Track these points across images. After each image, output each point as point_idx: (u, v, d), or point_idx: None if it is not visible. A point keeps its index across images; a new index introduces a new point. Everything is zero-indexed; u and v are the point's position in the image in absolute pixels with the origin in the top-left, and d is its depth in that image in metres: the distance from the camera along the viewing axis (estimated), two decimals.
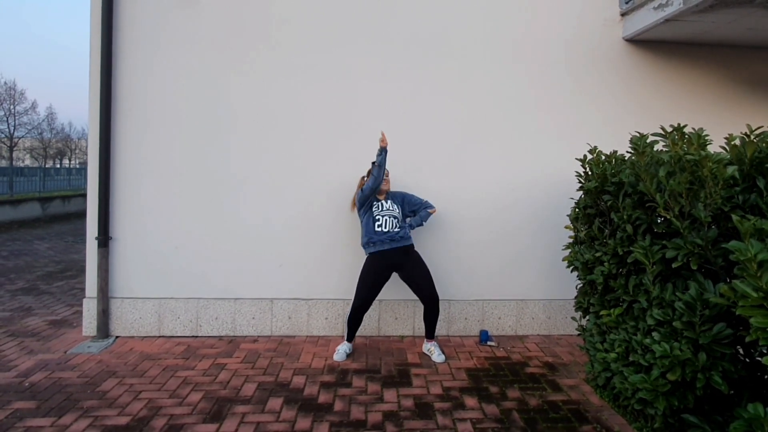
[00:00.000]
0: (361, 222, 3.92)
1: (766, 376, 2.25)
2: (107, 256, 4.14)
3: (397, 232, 3.82)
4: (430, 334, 3.95)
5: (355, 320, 3.89)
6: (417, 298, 4.00)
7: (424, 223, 4.07)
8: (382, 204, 3.87)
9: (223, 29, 4.17)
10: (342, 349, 3.88)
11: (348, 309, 4.28)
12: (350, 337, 3.94)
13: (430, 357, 3.87)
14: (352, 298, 4.07)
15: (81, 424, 2.78)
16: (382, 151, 3.68)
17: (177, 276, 4.24)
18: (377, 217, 3.82)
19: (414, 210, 4.06)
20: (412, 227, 4.04)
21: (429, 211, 4.06)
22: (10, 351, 3.85)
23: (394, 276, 3.96)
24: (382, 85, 4.27)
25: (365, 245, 3.88)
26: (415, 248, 3.98)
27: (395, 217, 3.85)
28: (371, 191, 3.78)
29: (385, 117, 4.26)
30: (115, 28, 4.08)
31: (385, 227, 3.80)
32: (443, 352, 3.90)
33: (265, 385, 3.34)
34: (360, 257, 4.08)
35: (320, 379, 3.45)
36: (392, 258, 3.83)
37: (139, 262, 4.21)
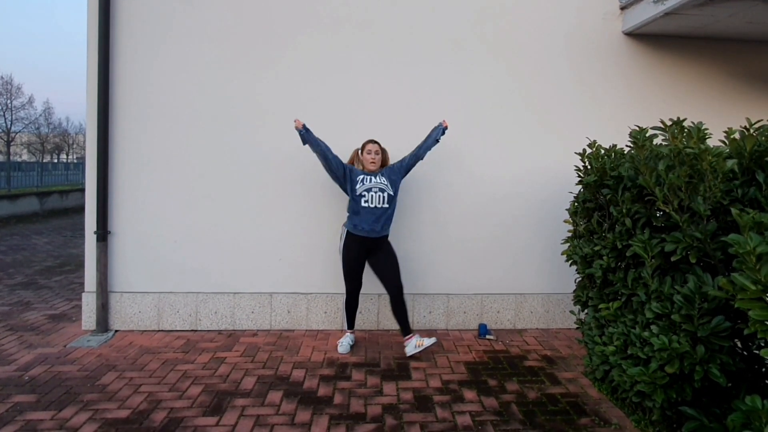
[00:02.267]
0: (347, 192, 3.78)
1: (764, 369, 2.26)
2: (106, 250, 4.13)
3: (385, 213, 3.65)
4: (404, 330, 3.77)
5: (352, 305, 3.87)
6: (416, 292, 4.01)
7: (439, 138, 3.87)
8: (370, 177, 3.68)
9: (224, 22, 4.15)
10: (345, 341, 3.87)
11: None
12: (350, 324, 3.93)
13: (429, 351, 3.83)
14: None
15: (81, 417, 2.79)
16: (300, 133, 3.61)
17: (176, 270, 4.24)
18: (362, 193, 3.63)
19: (411, 162, 3.83)
20: (429, 148, 3.85)
21: (435, 130, 3.85)
22: (10, 345, 3.85)
23: None
24: (381, 80, 4.25)
25: (346, 223, 3.77)
26: (389, 239, 3.85)
27: (385, 192, 3.65)
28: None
29: (384, 112, 4.26)
30: (113, 21, 4.05)
31: (376, 202, 3.63)
32: (417, 346, 3.67)
33: (265, 378, 3.35)
34: None
35: (319, 372, 3.46)
36: (366, 243, 3.72)
37: (138, 256, 4.21)
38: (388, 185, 3.70)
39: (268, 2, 4.17)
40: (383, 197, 3.66)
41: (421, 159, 3.89)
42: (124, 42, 4.09)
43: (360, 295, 3.93)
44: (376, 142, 3.83)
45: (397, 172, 3.81)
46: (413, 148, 3.88)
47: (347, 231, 3.74)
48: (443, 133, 3.90)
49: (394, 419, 2.83)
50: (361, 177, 3.70)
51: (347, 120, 4.24)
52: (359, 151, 3.86)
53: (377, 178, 3.71)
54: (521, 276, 4.47)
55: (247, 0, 4.15)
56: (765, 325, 1.67)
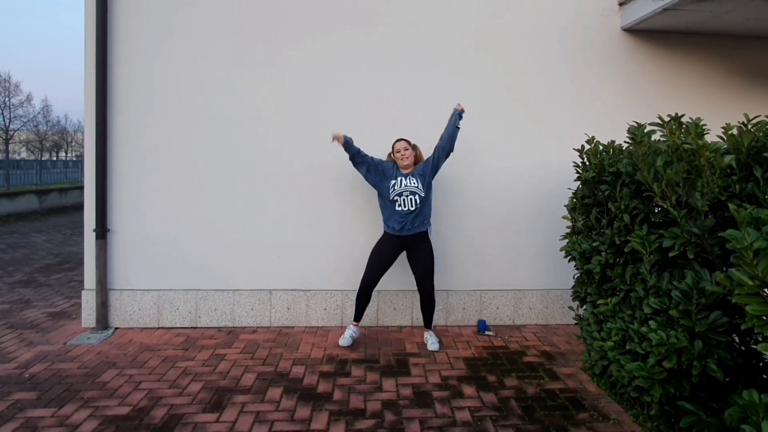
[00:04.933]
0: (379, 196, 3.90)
1: (761, 364, 2.27)
2: (105, 248, 4.13)
3: (415, 213, 3.71)
4: (427, 323, 3.97)
5: (364, 296, 3.88)
6: (416, 288, 4.02)
7: (458, 125, 3.80)
8: (401, 180, 3.74)
9: (225, 19, 4.14)
10: (348, 333, 3.90)
11: (347, 299, 4.30)
12: (358, 316, 3.94)
13: (427, 347, 3.88)
14: (351, 288, 4.10)
15: (82, 414, 2.80)
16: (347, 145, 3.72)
17: (175, 267, 4.24)
18: (395, 198, 3.72)
19: (437, 161, 3.82)
20: (453, 138, 3.79)
21: (450, 125, 3.80)
22: (10, 343, 3.86)
23: (395, 267, 3.95)
24: (379, 75, 4.25)
25: (383, 221, 3.89)
26: (430, 235, 3.93)
27: (416, 194, 3.71)
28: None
29: (382, 106, 4.26)
30: (110, 15, 4.04)
31: (408, 206, 3.71)
32: (439, 342, 3.91)
33: (265, 375, 3.36)
34: (358, 248, 4.09)
35: (319, 368, 3.47)
36: (399, 241, 3.83)
37: (138, 253, 4.21)
38: (419, 187, 3.75)
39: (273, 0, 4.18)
40: (414, 200, 3.72)
41: (452, 151, 3.86)
42: (123, 38, 4.08)
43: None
44: (403, 140, 3.87)
45: (429, 172, 3.83)
46: (438, 141, 3.85)
47: (384, 230, 3.87)
48: (461, 117, 3.83)
49: (394, 415, 2.84)
50: (393, 182, 3.75)
51: (351, 117, 4.24)
52: (391, 153, 3.91)
53: (408, 180, 3.75)
54: (520, 272, 4.48)
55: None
56: (762, 320, 1.67)
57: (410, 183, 3.74)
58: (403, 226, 3.74)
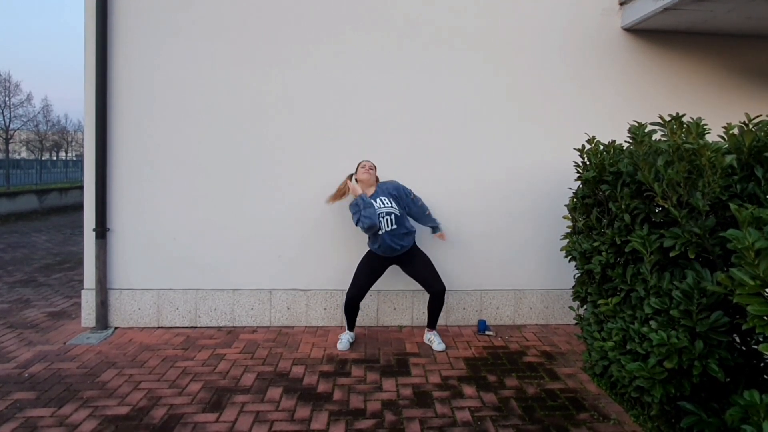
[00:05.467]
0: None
1: (762, 364, 2.26)
2: (105, 247, 4.13)
3: (398, 232, 3.68)
4: (432, 323, 3.95)
5: (351, 309, 3.88)
6: (416, 288, 4.02)
7: (426, 216, 4.00)
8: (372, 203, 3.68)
9: (225, 19, 4.13)
10: (345, 338, 3.89)
11: None
12: (350, 326, 3.96)
13: (430, 346, 3.89)
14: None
15: (81, 414, 2.79)
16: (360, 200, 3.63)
17: (175, 267, 4.24)
18: None
19: (410, 210, 3.88)
20: (418, 219, 3.99)
21: (439, 228, 4.03)
22: (10, 342, 3.85)
23: (393, 267, 3.96)
24: (379, 75, 4.24)
25: (368, 243, 3.88)
26: (416, 243, 3.93)
27: (392, 214, 3.69)
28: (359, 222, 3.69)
29: (382, 106, 4.25)
30: (110, 15, 4.03)
31: (385, 226, 3.67)
32: (443, 341, 3.92)
33: (265, 374, 3.36)
34: (358, 248, 4.08)
35: (319, 368, 3.47)
36: (388, 261, 3.85)
37: (138, 253, 4.21)
38: (394, 206, 3.73)
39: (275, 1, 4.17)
40: (391, 220, 3.68)
41: (414, 218, 3.96)
42: (123, 38, 4.07)
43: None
44: (367, 161, 3.91)
45: (400, 198, 3.82)
46: (422, 206, 3.96)
47: (369, 248, 3.86)
48: (434, 227, 4.03)
49: (394, 415, 2.84)
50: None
51: (351, 117, 4.24)
52: (352, 176, 3.90)
53: (378, 201, 3.71)
54: (520, 272, 4.48)
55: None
56: (763, 320, 1.67)
57: (384, 204, 3.71)
58: (390, 247, 3.71)
